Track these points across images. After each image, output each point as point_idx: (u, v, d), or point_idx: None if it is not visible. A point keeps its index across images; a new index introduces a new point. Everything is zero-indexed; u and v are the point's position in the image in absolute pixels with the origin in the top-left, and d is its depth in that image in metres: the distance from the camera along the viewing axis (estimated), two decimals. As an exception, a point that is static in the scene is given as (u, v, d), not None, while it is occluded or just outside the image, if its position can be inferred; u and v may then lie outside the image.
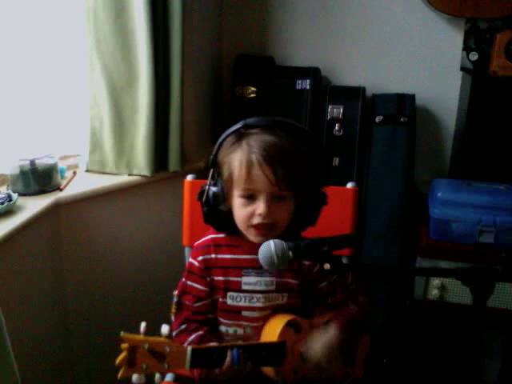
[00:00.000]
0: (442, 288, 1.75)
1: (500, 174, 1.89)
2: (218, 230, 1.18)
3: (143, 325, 0.92)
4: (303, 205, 1.12)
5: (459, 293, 1.74)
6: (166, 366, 0.94)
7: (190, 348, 0.97)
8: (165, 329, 0.94)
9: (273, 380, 1.10)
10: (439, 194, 1.77)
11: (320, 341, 1.09)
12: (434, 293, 1.76)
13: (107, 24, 1.59)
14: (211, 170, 1.13)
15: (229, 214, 1.11)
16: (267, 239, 1.02)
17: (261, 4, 2.15)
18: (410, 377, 1.95)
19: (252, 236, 1.10)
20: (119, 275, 1.77)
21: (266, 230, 1.08)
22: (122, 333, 0.92)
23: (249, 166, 1.04)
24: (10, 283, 1.38)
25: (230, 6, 2.17)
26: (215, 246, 1.17)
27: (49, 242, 1.56)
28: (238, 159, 1.06)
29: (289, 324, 1.10)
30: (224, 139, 1.10)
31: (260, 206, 1.06)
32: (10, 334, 1.16)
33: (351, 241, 1.12)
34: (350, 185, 1.42)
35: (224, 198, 1.10)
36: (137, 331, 0.98)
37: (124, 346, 0.91)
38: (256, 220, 1.07)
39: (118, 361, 0.91)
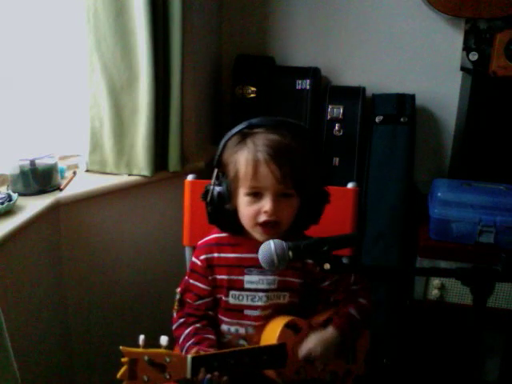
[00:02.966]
0: (442, 288, 1.75)
1: (500, 174, 1.89)
2: (223, 230, 1.19)
3: (142, 337, 0.94)
4: (307, 203, 1.13)
5: (459, 293, 1.74)
6: (168, 376, 0.95)
7: (189, 357, 0.98)
8: (164, 340, 0.96)
9: (275, 381, 1.11)
10: (439, 194, 1.77)
11: (317, 340, 1.10)
12: (434, 293, 1.76)
13: (107, 24, 1.59)
14: (215, 171, 1.14)
15: (234, 213, 1.12)
16: (272, 238, 1.04)
17: (261, 4, 2.15)
18: (410, 377, 1.95)
19: (258, 234, 1.12)
20: (119, 275, 1.77)
21: (272, 227, 1.09)
22: (122, 347, 0.93)
23: (255, 163, 1.06)
24: (10, 283, 1.38)
25: (230, 6, 2.17)
26: (218, 244, 1.19)
27: (49, 242, 1.56)
28: (243, 158, 1.07)
29: (287, 325, 1.10)
30: (229, 139, 1.12)
31: (266, 204, 1.07)
32: (9, 334, 1.16)
33: (351, 241, 1.12)
34: (350, 185, 1.42)
35: (229, 197, 1.11)
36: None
37: (124, 359, 0.93)
38: (262, 218, 1.08)
39: (119, 375, 0.93)
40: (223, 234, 1.19)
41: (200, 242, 1.22)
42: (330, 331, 1.12)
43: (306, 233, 1.20)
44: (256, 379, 1.11)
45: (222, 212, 1.13)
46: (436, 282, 1.74)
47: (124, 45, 1.62)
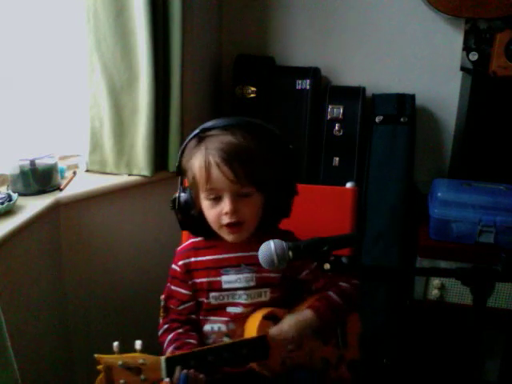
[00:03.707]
0: (442, 288, 1.75)
1: (500, 174, 1.89)
2: (195, 235, 1.22)
3: (115, 344, 0.97)
4: (273, 199, 1.14)
5: (459, 293, 1.74)
6: (143, 378, 0.97)
7: (163, 358, 1.00)
8: (138, 344, 0.98)
9: (262, 374, 1.11)
10: (439, 194, 1.77)
11: (291, 322, 1.10)
12: (434, 293, 1.75)
13: (107, 24, 1.59)
14: (179, 178, 1.17)
15: (201, 217, 1.14)
16: (241, 237, 1.11)
17: (261, 4, 2.16)
18: (409, 377, 1.95)
19: (225, 235, 1.13)
20: (119, 275, 1.77)
21: (237, 227, 1.11)
22: (96, 354, 0.97)
23: (207, 167, 1.07)
24: (10, 283, 1.38)
25: (230, 6, 2.17)
26: (195, 249, 1.21)
27: (49, 242, 1.56)
28: (198, 162, 1.09)
29: (266, 317, 1.11)
30: (185, 146, 1.14)
31: (226, 206, 1.09)
32: (10, 334, 1.16)
33: (351, 241, 1.12)
34: (349, 184, 1.42)
35: (193, 202, 1.13)
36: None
37: (100, 367, 0.96)
38: (225, 220, 1.10)
39: (96, 382, 0.96)
40: (199, 239, 1.22)
41: (178, 249, 1.24)
42: (305, 313, 1.12)
43: (281, 226, 1.21)
44: (243, 374, 1.11)
45: (190, 218, 1.15)
46: (436, 282, 1.74)
47: (124, 45, 1.62)
